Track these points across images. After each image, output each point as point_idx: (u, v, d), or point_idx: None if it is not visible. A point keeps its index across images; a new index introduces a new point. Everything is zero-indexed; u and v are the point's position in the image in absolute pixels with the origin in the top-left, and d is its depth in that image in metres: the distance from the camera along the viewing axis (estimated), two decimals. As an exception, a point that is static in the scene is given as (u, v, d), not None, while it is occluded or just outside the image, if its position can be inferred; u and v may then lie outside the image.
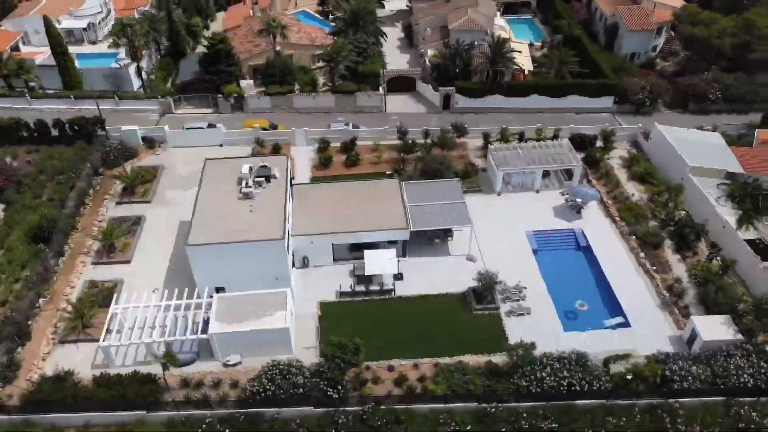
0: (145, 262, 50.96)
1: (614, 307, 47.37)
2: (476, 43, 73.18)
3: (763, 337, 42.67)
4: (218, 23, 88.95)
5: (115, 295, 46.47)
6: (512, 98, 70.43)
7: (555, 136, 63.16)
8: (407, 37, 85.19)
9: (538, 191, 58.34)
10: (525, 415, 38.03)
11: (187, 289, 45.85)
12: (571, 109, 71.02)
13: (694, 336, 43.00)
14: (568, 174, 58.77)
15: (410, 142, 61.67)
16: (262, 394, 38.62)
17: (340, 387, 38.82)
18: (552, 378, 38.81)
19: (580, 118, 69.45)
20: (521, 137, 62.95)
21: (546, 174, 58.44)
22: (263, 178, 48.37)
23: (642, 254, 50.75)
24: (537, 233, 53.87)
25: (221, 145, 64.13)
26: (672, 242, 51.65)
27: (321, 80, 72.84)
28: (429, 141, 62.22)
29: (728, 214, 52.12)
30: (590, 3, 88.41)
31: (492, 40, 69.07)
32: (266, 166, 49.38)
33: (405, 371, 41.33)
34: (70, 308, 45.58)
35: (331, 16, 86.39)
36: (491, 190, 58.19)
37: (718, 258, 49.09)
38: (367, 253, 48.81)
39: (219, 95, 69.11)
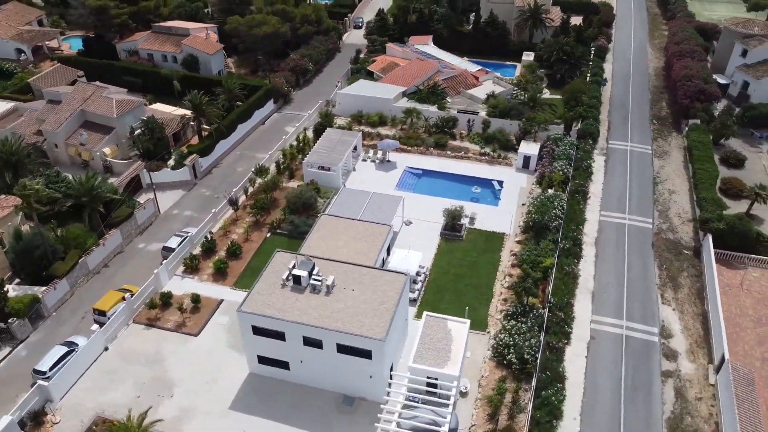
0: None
1: (482, 182, 69.09)
2: (146, 117, 71.50)
3: (537, 140, 73.34)
4: None
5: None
6: (230, 138, 74.84)
7: (306, 135, 74.39)
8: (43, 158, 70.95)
9: (354, 169, 70.62)
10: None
11: (354, 404, 43.22)
12: (259, 123, 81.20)
13: (527, 158, 70.02)
14: (354, 147, 72.46)
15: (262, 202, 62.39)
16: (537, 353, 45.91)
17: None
18: (557, 210, 59.81)
19: (268, 126, 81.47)
20: (298, 149, 71.76)
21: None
22: (313, 268, 45.87)
23: (449, 151, 72.87)
24: (398, 185, 68.15)
25: (107, 348, 48.54)
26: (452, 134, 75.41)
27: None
28: (259, 183, 64.48)
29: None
30: (139, 54, 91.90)
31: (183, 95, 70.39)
32: (303, 260, 46.29)
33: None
34: None
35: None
36: (336, 188, 66.73)
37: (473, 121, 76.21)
38: (394, 261, 54.24)
39: (11, 320, 48.32)
